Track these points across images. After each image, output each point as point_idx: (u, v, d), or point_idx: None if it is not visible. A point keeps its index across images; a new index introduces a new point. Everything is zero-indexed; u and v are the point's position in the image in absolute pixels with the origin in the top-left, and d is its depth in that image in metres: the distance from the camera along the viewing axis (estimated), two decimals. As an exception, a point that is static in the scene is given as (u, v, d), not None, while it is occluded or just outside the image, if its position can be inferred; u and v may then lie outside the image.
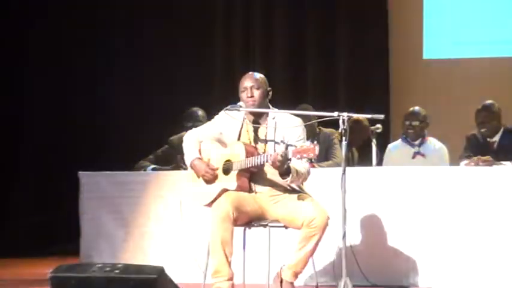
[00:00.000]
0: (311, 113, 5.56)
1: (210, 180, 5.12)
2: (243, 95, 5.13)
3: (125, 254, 6.41)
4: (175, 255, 6.24)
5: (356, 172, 5.84)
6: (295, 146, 4.80)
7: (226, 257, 4.88)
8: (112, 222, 6.49)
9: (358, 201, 5.79)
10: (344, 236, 4.83)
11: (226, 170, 5.08)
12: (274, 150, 4.95)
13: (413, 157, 6.86)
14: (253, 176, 5.07)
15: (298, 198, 5.02)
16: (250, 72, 5.21)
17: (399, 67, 8.99)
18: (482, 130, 6.65)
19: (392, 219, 5.87)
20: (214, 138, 5.23)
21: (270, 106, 5.18)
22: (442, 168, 6.23)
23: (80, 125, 8.85)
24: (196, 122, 6.79)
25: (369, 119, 6.45)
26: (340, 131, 4.85)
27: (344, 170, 4.84)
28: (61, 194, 7.71)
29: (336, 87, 8.77)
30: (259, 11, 8.97)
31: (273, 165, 4.84)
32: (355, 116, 4.94)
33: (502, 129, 6.63)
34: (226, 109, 5.15)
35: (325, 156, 6.70)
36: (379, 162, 6.50)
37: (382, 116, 5.07)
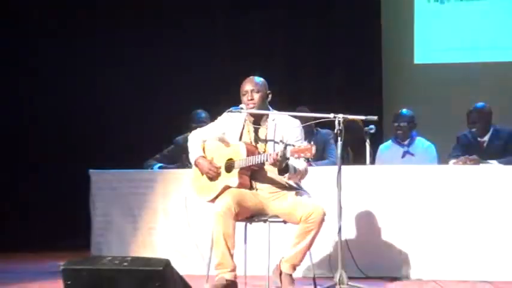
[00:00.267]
0: (309, 114, 5.55)
1: (213, 177, 5.13)
2: (244, 98, 5.14)
3: (134, 247, 6.40)
4: (181, 249, 6.24)
5: (351, 170, 5.84)
6: (294, 146, 4.81)
7: (229, 250, 4.89)
8: (121, 217, 6.48)
9: (353, 197, 5.78)
10: (339, 231, 4.85)
11: (229, 168, 5.09)
12: (274, 150, 4.95)
13: (403, 156, 6.91)
14: (254, 174, 5.08)
15: (296, 195, 5.02)
16: (250, 77, 5.21)
17: (391, 71, 8.99)
18: (473, 130, 6.65)
19: (384, 214, 5.87)
20: (218, 138, 5.23)
21: (270, 108, 5.19)
22: (431, 167, 6.25)
23: (91, 126, 8.82)
24: (199, 122, 6.78)
25: (363, 120, 6.44)
26: (335, 131, 4.86)
27: (339, 169, 4.85)
28: (72, 190, 7.69)
29: (332, 91, 8.76)
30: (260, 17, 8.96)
31: (272, 163, 4.85)
32: (350, 117, 4.94)
33: (491, 129, 6.64)
34: (229, 111, 5.16)
35: (321, 155, 6.71)
36: (372, 161, 6.50)
37: (375, 118, 5.08)
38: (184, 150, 6.13)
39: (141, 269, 3.73)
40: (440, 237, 5.76)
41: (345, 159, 6.96)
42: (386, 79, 8.94)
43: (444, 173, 5.90)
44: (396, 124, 6.96)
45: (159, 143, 7.41)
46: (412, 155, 6.88)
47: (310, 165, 5.33)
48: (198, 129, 5.43)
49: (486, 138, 6.64)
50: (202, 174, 5.17)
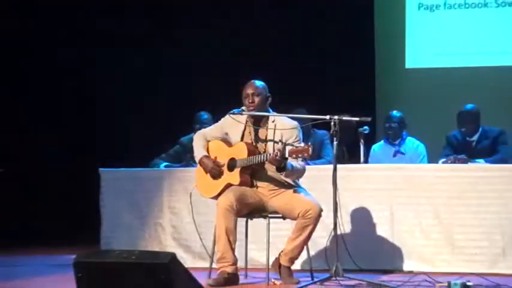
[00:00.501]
0: (306, 116, 5.57)
1: (216, 175, 5.14)
2: (245, 101, 5.16)
3: (141, 242, 6.40)
4: (186, 243, 6.25)
5: (346, 169, 5.84)
6: (292, 146, 4.82)
7: (231, 244, 4.90)
8: (129, 213, 6.48)
9: (348, 194, 5.79)
10: (335, 226, 4.86)
11: (231, 167, 5.10)
12: (274, 150, 4.97)
13: (394, 155, 6.93)
14: (254, 172, 5.09)
15: (294, 193, 5.04)
16: (252, 81, 5.23)
17: (384, 75, 8.99)
18: (463, 130, 6.66)
19: (377, 210, 5.87)
20: (220, 139, 5.25)
21: (270, 110, 5.20)
22: (421, 165, 6.27)
23: (102, 128, 8.84)
24: (202, 124, 6.79)
25: (357, 121, 6.44)
26: (331, 132, 4.87)
27: (335, 167, 4.86)
28: (83, 188, 7.69)
29: (328, 94, 8.75)
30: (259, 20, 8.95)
31: (272, 162, 4.87)
32: (345, 118, 4.95)
33: (480, 130, 6.65)
34: (231, 113, 5.17)
35: (318, 154, 6.71)
36: (366, 160, 6.51)
37: (369, 119, 5.10)
38: (188, 149, 6.16)
39: (148, 262, 3.74)
40: (430, 232, 5.76)
41: (340, 159, 6.97)
42: (379, 83, 8.94)
43: (433, 171, 5.91)
44: (387, 125, 6.98)
45: (164, 143, 7.41)
46: (403, 154, 6.90)
47: (308, 164, 5.34)
48: (203, 130, 5.45)
49: (475, 138, 6.64)
50: (206, 173, 5.19)
